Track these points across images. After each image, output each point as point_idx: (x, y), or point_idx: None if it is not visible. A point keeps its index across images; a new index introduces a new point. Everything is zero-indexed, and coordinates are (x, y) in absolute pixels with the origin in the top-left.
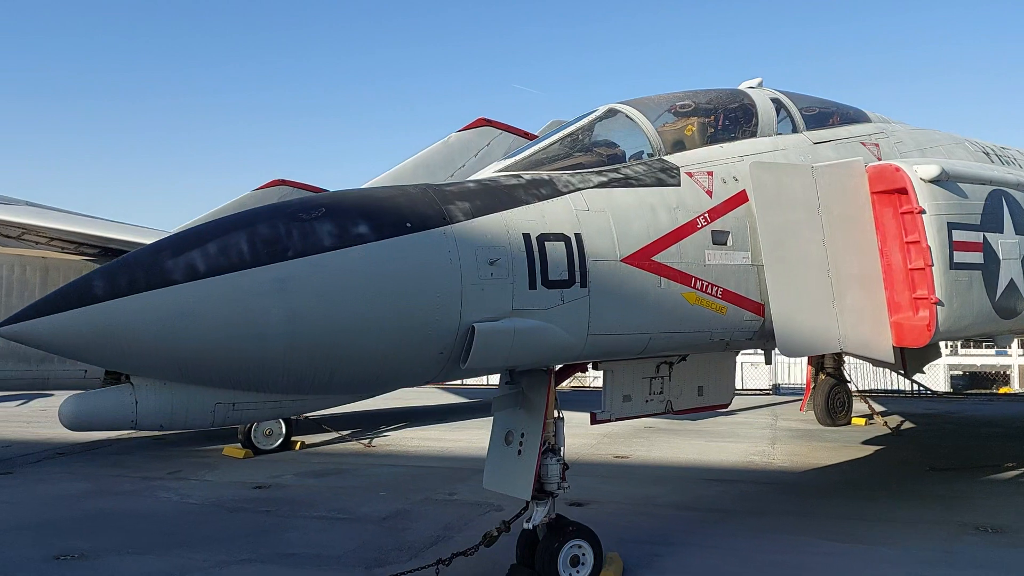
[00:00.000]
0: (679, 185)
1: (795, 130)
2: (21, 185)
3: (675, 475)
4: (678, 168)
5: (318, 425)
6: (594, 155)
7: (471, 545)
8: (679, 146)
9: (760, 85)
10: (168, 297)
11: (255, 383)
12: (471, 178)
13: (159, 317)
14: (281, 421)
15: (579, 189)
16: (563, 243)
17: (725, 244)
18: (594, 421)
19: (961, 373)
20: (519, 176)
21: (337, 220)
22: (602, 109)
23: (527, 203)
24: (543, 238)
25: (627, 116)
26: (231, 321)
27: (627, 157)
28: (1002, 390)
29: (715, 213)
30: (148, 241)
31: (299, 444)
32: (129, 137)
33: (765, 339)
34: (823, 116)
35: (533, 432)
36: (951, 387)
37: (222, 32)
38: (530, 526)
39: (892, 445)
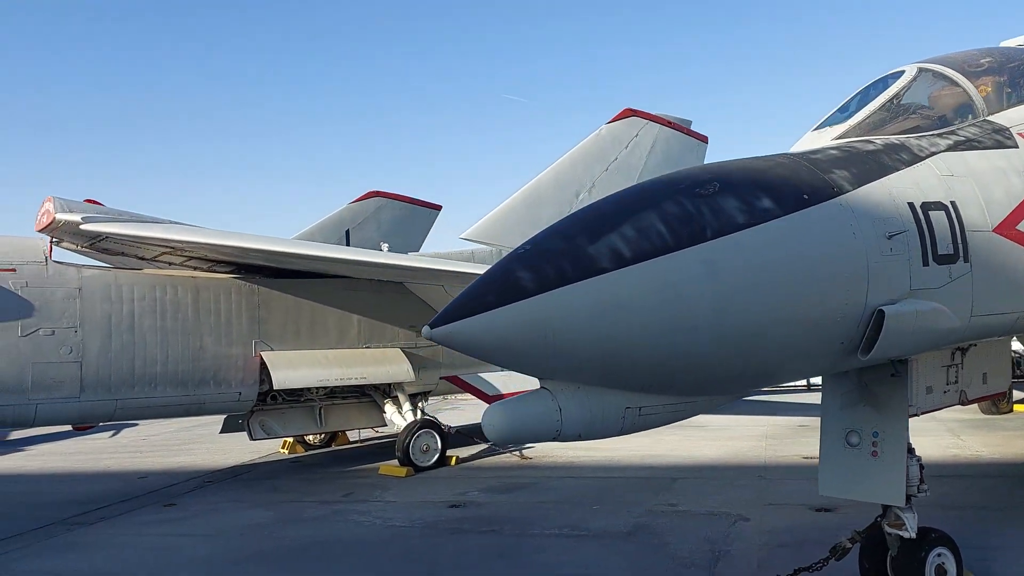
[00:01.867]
0: (1017, 147)
1: None
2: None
3: None
4: (1008, 128)
5: (467, 438)
6: (922, 118)
7: (816, 560)
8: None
9: None
10: (601, 287)
11: (671, 382)
12: (816, 146)
13: (593, 311)
14: (436, 435)
15: (933, 154)
16: (943, 212)
17: None
18: None
19: None
20: (871, 141)
21: (738, 194)
22: (913, 69)
23: (896, 169)
24: (926, 207)
25: (942, 75)
26: (664, 311)
27: (951, 119)
28: None
29: None
30: (291, 250)
31: (454, 459)
32: (224, 147)
33: None
34: None
35: (891, 431)
36: None
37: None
38: (911, 534)
39: None
